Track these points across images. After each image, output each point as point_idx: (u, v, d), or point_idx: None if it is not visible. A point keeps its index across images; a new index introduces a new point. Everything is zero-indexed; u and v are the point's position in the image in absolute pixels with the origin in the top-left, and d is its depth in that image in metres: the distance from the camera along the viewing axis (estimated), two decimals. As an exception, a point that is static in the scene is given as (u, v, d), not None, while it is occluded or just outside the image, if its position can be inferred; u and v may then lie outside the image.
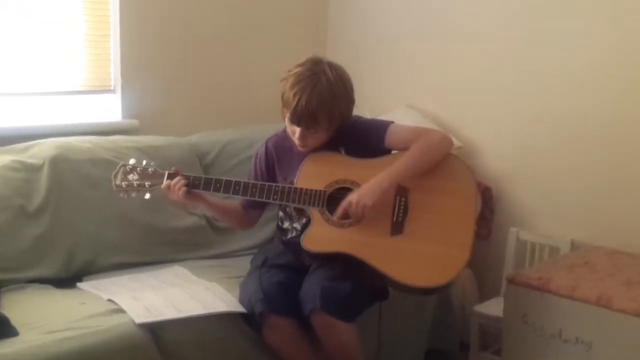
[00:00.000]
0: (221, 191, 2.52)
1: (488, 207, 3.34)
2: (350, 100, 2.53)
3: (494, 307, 3.08)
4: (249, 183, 2.52)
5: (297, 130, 2.49)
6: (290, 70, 2.50)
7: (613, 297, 2.47)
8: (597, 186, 3.12)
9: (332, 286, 2.39)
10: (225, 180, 2.52)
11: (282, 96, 2.50)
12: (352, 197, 2.41)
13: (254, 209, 2.73)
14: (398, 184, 2.48)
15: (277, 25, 3.88)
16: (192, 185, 2.52)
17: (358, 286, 2.43)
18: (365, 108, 3.52)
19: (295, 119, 2.46)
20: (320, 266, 2.50)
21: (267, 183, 2.54)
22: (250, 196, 2.51)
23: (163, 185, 2.52)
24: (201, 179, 2.53)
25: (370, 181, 2.43)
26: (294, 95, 2.42)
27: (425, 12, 3.70)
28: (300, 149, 2.57)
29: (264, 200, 2.52)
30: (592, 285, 2.57)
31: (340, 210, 2.43)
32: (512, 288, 2.71)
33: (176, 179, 2.51)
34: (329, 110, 2.44)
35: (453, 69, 3.60)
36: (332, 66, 2.50)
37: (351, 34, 4.00)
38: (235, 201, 2.75)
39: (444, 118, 3.58)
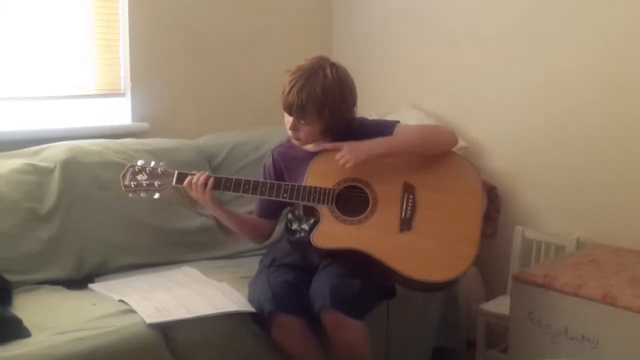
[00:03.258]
0: (231, 190, 2.54)
1: (494, 206, 3.35)
2: (343, 102, 2.55)
3: (500, 305, 3.10)
4: (258, 182, 2.54)
5: (290, 119, 2.54)
6: (297, 63, 2.57)
7: (619, 294, 2.48)
8: (602, 184, 3.13)
9: (342, 283, 2.40)
10: (235, 179, 2.54)
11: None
12: (344, 145, 2.48)
13: (267, 218, 2.75)
14: (405, 182, 2.53)
15: (283, 28, 3.90)
16: None
17: (367, 284, 2.45)
18: (370, 108, 3.55)
19: (286, 106, 2.52)
20: (329, 264, 2.51)
21: (276, 182, 2.56)
22: (260, 194, 2.54)
23: (185, 183, 2.53)
24: (211, 178, 2.54)
25: (368, 141, 2.50)
26: (289, 82, 2.50)
27: (431, 13, 3.71)
28: (294, 142, 2.61)
29: (273, 198, 2.53)
30: (598, 283, 2.58)
31: (329, 146, 2.51)
32: (518, 286, 2.73)
33: (197, 174, 2.53)
34: (318, 104, 2.48)
35: (458, 69, 3.61)
36: (335, 66, 2.55)
37: (356, 35, 4.02)
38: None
39: (449, 118, 3.60)
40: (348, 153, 2.46)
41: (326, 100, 2.48)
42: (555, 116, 3.26)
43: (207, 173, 2.54)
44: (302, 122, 2.53)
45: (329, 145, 2.52)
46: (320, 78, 2.49)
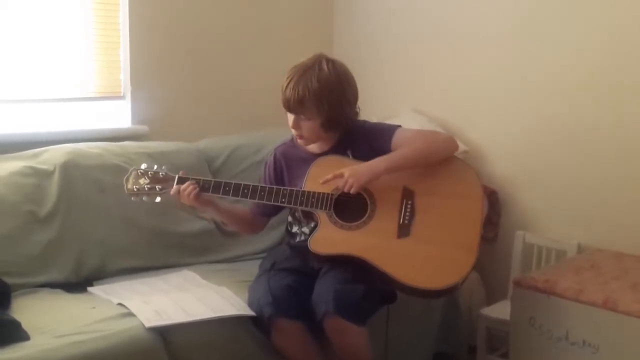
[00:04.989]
0: (230, 194, 2.54)
1: (495, 210, 3.34)
2: (342, 94, 2.56)
3: (501, 310, 3.09)
4: (257, 186, 2.54)
5: (292, 118, 2.56)
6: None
7: (619, 299, 2.47)
8: (603, 189, 3.12)
9: (345, 289, 2.39)
10: (235, 183, 2.55)
11: None
12: (345, 171, 2.45)
13: (262, 216, 2.76)
14: (404, 187, 2.51)
15: (283, 32, 3.90)
16: (201, 188, 2.54)
17: (370, 289, 2.44)
18: (370, 112, 3.53)
19: (284, 102, 2.54)
20: (331, 269, 2.50)
21: (275, 186, 2.57)
22: (258, 199, 2.54)
23: (172, 191, 2.55)
24: (211, 182, 2.56)
25: (367, 162, 2.48)
26: (286, 79, 2.54)
27: (431, 17, 3.71)
28: (299, 141, 2.62)
29: (272, 203, 2.54)
30: (599, 288, 2.57)
31: (330, 176, 2.46)
32: (519, 291, 2.72)
33: (186, 183, 2.54)
34: (315, 96, 2.49)
35: (459, 73, 3.61)
36: (332, 61, 2.58)
37: (356, 39, 4.02)
38: (243, 206, 2.78)
39: (449, 122, 3.59)
40: (350, 177, 2.43)
41: (323, 92, 2.50)
42: (556, 120, 3.26)
43: (194, 184, 2.54)
44: (302, 116, 2.54)
45: (329, 176, 2.47)
46: (316, 71, 2.52)
